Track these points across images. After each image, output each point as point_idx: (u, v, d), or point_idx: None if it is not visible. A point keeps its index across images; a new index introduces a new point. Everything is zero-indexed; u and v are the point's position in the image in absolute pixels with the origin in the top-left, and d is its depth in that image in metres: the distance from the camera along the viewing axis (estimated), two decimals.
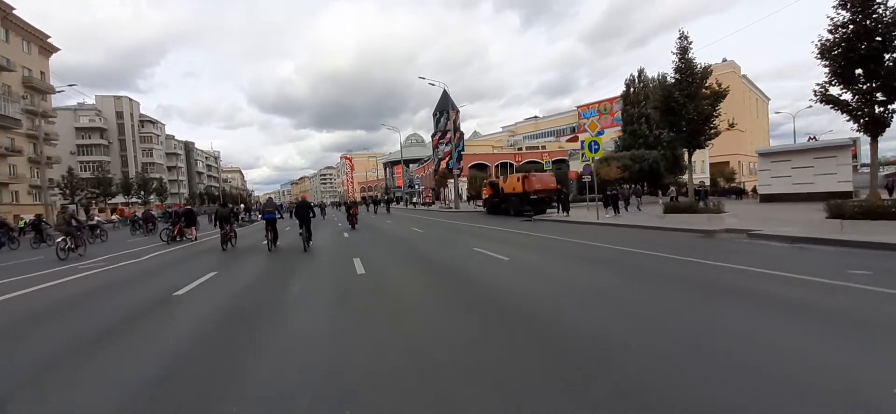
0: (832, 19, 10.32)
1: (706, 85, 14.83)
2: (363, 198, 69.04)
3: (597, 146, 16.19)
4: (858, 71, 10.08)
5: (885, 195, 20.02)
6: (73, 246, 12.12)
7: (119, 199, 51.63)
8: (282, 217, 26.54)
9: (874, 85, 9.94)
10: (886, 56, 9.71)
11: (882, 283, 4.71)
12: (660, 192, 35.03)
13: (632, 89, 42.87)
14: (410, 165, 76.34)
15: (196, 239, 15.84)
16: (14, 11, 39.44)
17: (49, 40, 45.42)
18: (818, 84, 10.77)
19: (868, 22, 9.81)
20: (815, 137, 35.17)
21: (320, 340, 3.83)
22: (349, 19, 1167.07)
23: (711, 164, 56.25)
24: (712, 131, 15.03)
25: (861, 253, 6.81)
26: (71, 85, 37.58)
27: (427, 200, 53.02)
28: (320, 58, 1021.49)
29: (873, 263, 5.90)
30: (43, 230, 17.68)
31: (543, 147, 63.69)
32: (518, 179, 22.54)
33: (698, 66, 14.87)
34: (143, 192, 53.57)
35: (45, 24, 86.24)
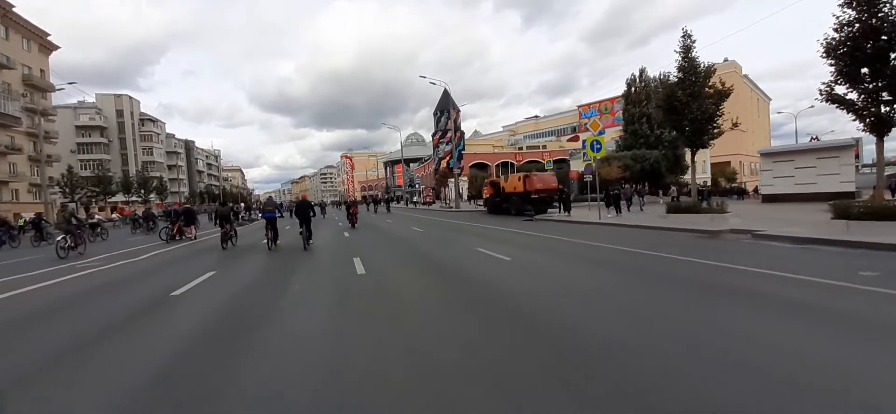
0: (838, 18, 10.22)
1: (709, 84, 14.73)
2: (363, 197, 68.97)
3: (599, 145, 16.11)
4: (864, 70, 9.99)
5: (888, 195, 19.92)
6: (72, 244, 12.08)
7: (119, 197, 51.63)
8: (282, 216, 26.49)
9: (880, 84, 9.85)
10: (892, 55, 9.63)
11: (891, 284, 4.62)
12: (660, 192, 34.93)
13: (633, 89, 42.69)
14: (411, 165, 76.26)
15: (195, 238, 15.78)
16: (14, 9, 39.39)
17: (49, 38, 45.37)
18: (824, 83, 10.69)
19: (874, 21, 9.72)
20: (817, 138, 35.10)
21: (320, 340, 3.80)
22: (349, 19, 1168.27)
23: (712, 165, 56.10)
24: (715, 131, 14.94)
25: (868, 254, 6.72)
26: (71, 83, 37.31)
27: (427, 200, 52.94)
28: (321, 57, 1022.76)
29: (881, 263, 5.82)
30: (43, 229, 17.71)
31: (544, 147, 63.62)
32: (519, 179, 22.46)
33: (702, 65, 14.78)
34: (143, 191, 53.57)
35: (44, 21, 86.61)
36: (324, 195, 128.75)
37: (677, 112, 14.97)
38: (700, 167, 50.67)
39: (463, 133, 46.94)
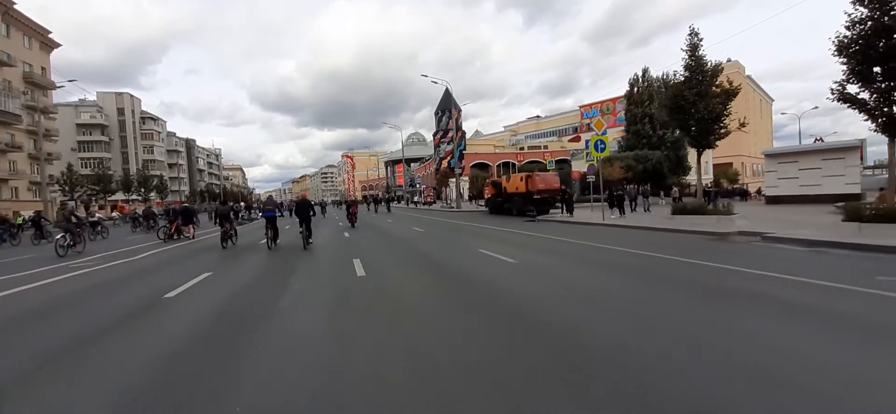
0: (849, 15, 10.01)
1: (717, 83, 14.52)
2: (364, 197, 68.90)
3: (603, 146, 15.91)
4: (877, 69, 9.78)
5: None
6: (72, 243, 12.01)
7: (119, 196, 51.56)
8: (282, 215, 26.39)
9: (893, 84, 9.64)
10: None
11: None
12: (662, 194, 34.67)
13: (636, 89, 42.40)
14: (412, 164, 76.08)
15: (194, 237, 15.63)
16: (15, 6, 39.30)
17: (50, 36, 45.26)
18: (835, 82, 10.49)
19: (886, 19, 9.52)
20: (820, 139, 34.79)
21: (320, 340, 3.76)
22: (350, 18, 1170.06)
23: (715, 166, 55.87)
24: (722, 131, 14.73)
25: (882, 257, 6.53)
26: (71, 80, 37.16)
27: (428, 200, 52.73)
28: (321, 56, 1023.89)
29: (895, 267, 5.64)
30: (43, 226, 17.64)
31: (545, 147, 63.42)
32: (521, 179, 22.25)
33: (709, 64, 14.56)
34: (143, 190, 53.49)
35: (45, 19, 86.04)
36: (324, 195, 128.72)
37: (684, 112, 14.76)
38: (702, 168, 50.48)
39: (464, 133, 46.83)
